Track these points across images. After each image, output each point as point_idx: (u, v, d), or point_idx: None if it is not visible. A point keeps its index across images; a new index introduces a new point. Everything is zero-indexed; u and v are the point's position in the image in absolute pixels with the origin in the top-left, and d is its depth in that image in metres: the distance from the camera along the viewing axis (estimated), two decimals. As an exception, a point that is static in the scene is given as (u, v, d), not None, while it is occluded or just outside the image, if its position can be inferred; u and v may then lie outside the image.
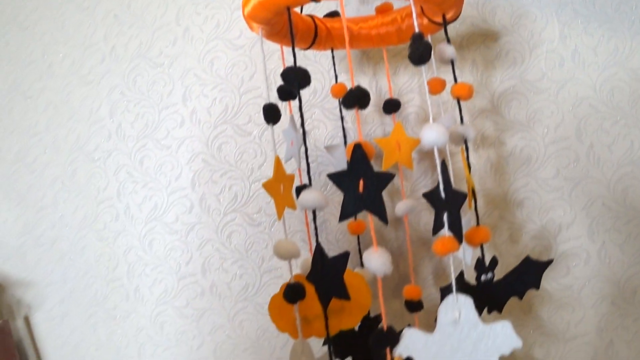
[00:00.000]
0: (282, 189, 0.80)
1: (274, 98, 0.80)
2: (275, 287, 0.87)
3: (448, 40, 0.79)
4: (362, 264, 0.95)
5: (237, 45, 1.16)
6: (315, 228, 0.76)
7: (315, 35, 0.91)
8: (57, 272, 1.28)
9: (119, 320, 1.24)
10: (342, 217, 0.69)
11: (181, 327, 1.20)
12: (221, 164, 1.17)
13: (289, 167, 0.82)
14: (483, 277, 0.85)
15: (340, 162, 1.00)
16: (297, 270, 0.91)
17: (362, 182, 0.68)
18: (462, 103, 0.83)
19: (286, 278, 0.81)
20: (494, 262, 0.86)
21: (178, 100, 1.19)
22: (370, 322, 0.97)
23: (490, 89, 1.07)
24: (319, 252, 0.72)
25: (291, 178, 0.82)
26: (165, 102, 1.20)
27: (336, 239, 1.13)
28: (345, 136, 1.04)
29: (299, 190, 0.82)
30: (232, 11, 1.16)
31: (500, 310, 0.85)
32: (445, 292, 0.82)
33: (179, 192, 1.19)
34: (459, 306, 0.70)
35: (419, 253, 1.11)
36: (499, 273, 0.86)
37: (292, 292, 0.77)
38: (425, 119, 1.08)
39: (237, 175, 1.16)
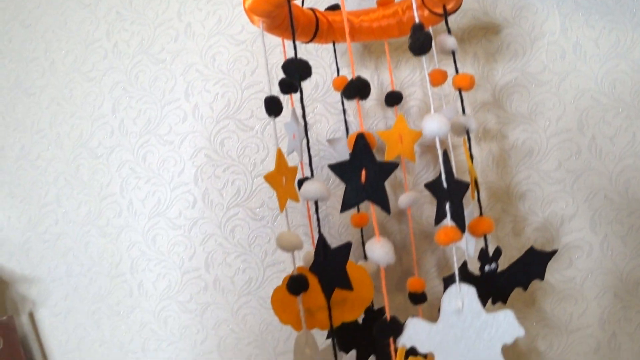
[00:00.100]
0: (285, 181, 0.80)
1: (276, 92, 0.81)
2: (279, 281, 0.87)
3: (449, 31, 0.79)
4: (365, 257, 0.96)
5: (239, 40, 1.16)
6: (318, 219, 0.76)
7: (317, 28, 0.91)
8: (61, 268, 1.28)
9: (122, 315, 1.25)
10: (344, 207, 0.69)
11: (185, 321, 1.21)
12: (224, 159, 1.17)
13: (291, 161, 0.82)
14: (487, 268, 0.85)
15: (342, 155, 1.00)
16: (299, 263, 0.91)
17: (364, 172, 0.68)
18: (464, 97, 0.84)
19: (289, 272, 0.81)
20: (498, 252, 0.86)
21: (180, 96, 1.19)
22: (374, 314, 0.97)
23: (492, 82, 1.07)
24: (321, 242, 0.73)
25: (293, 170, 0.82)
26: (167, 97, 1.20)
27: (338, 232, 1.13)
28: (347, 129, 1.04)
29: (301, 183, 0.82)
30: (234, 6, 1.16)
31: (504, 301, 0.85)
32: (448, 282, 0.82)
33: (182, 188, 1.19)
34: (462, 295, 0.70)
35: (422, 246, 1.11)
36: (502, 266, 0.86)
37: (296, 284, 0.77)
38: (427, 112, 1.08)
39: (240, 170, 1.16)
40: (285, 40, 0.93)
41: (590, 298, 1.08)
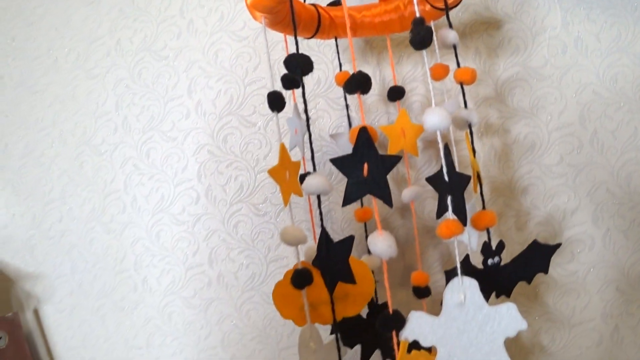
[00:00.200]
0: (288, 176, 0.80)
1: (279, 88, 0.81)
2: (282, 277, 0.87)
3: (450, 25, 0.79)
4: (369, 252, 0.96)
5: (241, 36, 1.16)
6: (320, 213, 0.76)
7: (319, 24, 0.91)
8: (66, 265, 1.29)
9: (127, 311, 1.25)
10: (346, 201, 0.70)
11: (189, 317, 1.21)
12: (227, 155, 1.17)
13: (294, 156, 0.82)
14: (490, 262, 0.85)
15: (345, 149, 1.01)
16: (302, 258, 0.91)
17: (366, 166, 0.68)
18: (466, 92, 0.84)
19: (292, 267, 0.82)
20: (501, 246, 0.86)
21: (183, 93, 1.20)
22: (378, 309, 0.97)
23: (494, 77, 1.07)
24: (324, 237, 0.73)
25: (296, 165, 0.82)
26: (170, 94, 1.21)
27: (341, 227, 1.14)
28: (350, 124, 1.05)
29: (303, 178, 0.83)
30: (236, 3, 1.16)
31: (508, 294, 0.85)
32: (450, 275, 0.82)
33: (186, 184, 1.20)
34: (464, 289, 0.70)
35: (424, 241, 1.11)
36: (505, 260, 0.86)
37: (300, 278, 0.78)
38: (429, 106, 1.08)
39: (243, 166, 1.17)
40: (288, 36, 0.94)
41: (592, 292, 1.08)
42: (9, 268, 1.32)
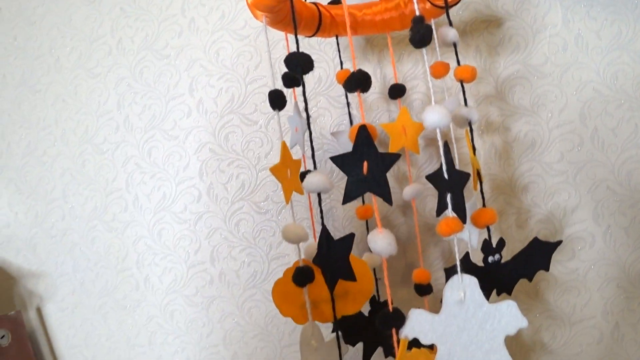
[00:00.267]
0: (289, 173, 0.81)
1: (280, 87, 0.81)
2: (283, 274, 0.88)
3: (450, 23, 0.79)
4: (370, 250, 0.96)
5: (242, 35, 1.17)
6: (321, 211, 0.76)
7: (320, 22, 0.92)
8: (68, 263, 1.29)
9: (129, 309, 1.26)
10: (346, 199, 0.70)
11: (191, 315, 1.21)
12: (228, 153, 1.18)
13: (295, 155, 0.83)
14: (490, 259, 0.86)
15: (345, 147, 1.01)
16: (303, 256, 0.92)
17: (366, 164, 0.68)
18: (466, 90, 0.84)
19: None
20: (501, 243, 0.86)
21: (185, 91, 1.20)
22: (380, 306, 0.98)
23: (494, 75, 1.08)
24: (324, 234, 0.73)
25: (298, 163, 0.82)
26: (172, 93, 1.21)
27: (342, 225, 1.14)
28: (351, 122, 1.05)
29: (303, 176, 0.83)
30: (237, 1, 1.16)
31: (509, 292, 0.85)
32: (450, 272, 0.82)
33: (187, 182, 1.20)
34: (464, 286, 0.70)
35: (426, 239, 1.11)
36: (505, 258, 0.86)
37: (302, 275, 0.78)
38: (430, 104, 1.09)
39: (244, 164, 1.17)
40: (289, 35, 0.94)
41: (593, 289, 1.08)
42: (11, 267, 1.32)
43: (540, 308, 1.10)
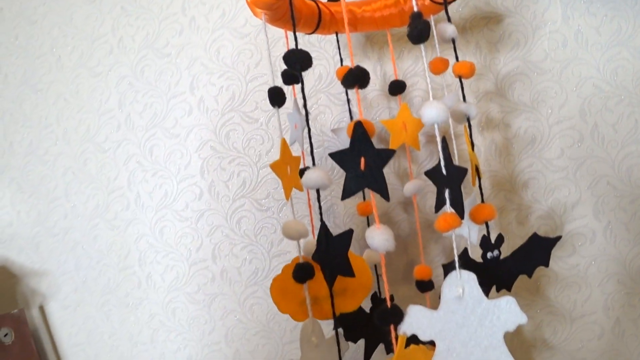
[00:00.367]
0: (289, 170, 0.81)
1: (280, 85, 0.82)
2: (284, 272, 0.88)
3: (449, 19, 0.80)
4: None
5: (243, 33, 1.17)
6: (320, 207, 0.77)
7: (319, 19, 0.92)
8: (70, 262, 1.30)
9: (131, 307, 1.26)
10: (345, 195, 0.70)
11: (193, 312, 1.22)
12: (229, 151, 1.18)
13: (295, 152, 0.83)
14: (489, 255, 0.86)
15: (345, 144, 1.00)
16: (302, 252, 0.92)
17: (363, 160, 0.68)
18: (466, 87, 0.84)
19: (295, 261, 0.83)
20: (500, 239, 0.86)
21: (186, 89, 1.20)
22: (381, 303, 0.98)
23: (494, 71, 1.08)
24: (323, 230, 0.73)
25: (297, 159, 0.83)
26: (173, 91, 1.21)
27: (344, 222, 1.14)
28: (352, 119, 1.05)
29: (303, 172, 0.83)
30: (237, 0, 1.17)
31: (509, 288, 0.85)
32: (448, 269, 0.83)
33: (189, 180, 1.21)
34: (462, 282, 0.70)
35: (427, 235, 1.11)
36: (506, 254, 0.86)
37: (302, 272, 0.78)
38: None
39: (245, 162, 1.18)
40: (289, 32, 0.94)
41: (594, 285, 1.08)
42: (14, 265, 1.33)
43: (541, 304, 1.10)
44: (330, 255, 0.74)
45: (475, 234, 0.90)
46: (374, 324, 0.94)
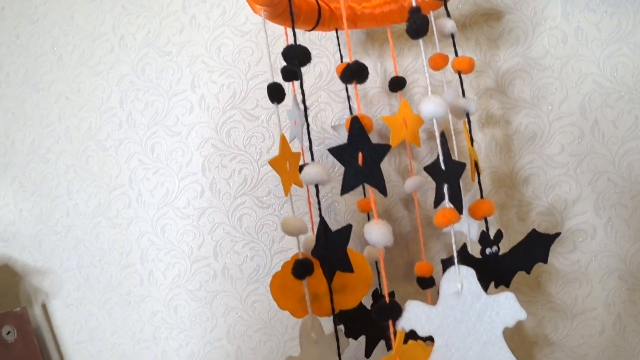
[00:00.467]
0: (289, 166, 0.81)
1: (280, 82, 0.82)
2: (285, 269, 0.88)
3: (448, 14, 0.80)
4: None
5: (243, 31, 1.17)
6: (319, 203, 0.77)
7: (319, 16, 0.92)
8: (73, 260, 1.30)
9: (133, 304, 1.26)
10: (343, 190, 0.70)
11: (195, 309, 1.22)
12: (230, 148, 1.18)
13: (294, 148, 0.83)
14: (488, 251, 0.86)
15: (345, 141, 1.01)
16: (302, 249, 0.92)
17: (361, 155, 0.68)
18: (466, 83, 0.84)
19: (296, 258, 0.83)
20: (499, 235, 0.86)
21: (187, 87, 1.21)
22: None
23: (494, 68, 1.08)
24: (322, 226, 0.74)
25: (297, 156, 0.83)
26: (174, 89, 1.22)
27: (344, 219, 1.14)
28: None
29: (302, 168, 0.84)
30: (237, -2, 1.17)
31: (507, 284, 0.85)
32: (447, 264, 0.83)
33: (190, 178, 1.21)
34: (461, 277, 0.70)
35: (428, 231, 1.11)
36: (506, 251, 0.87)
37: (301, 268, 0.78)
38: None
39: (246, 159, 1.18)
40: (288, 29, 0.94)
41: (594, 281, 1.08)
42: (17, 263, 1.33)
43: (542, 300, 1.10)
44: (329, 250, 0.74)
45: (475, 230, 0.90)
46: (375, 320, 0.95)
